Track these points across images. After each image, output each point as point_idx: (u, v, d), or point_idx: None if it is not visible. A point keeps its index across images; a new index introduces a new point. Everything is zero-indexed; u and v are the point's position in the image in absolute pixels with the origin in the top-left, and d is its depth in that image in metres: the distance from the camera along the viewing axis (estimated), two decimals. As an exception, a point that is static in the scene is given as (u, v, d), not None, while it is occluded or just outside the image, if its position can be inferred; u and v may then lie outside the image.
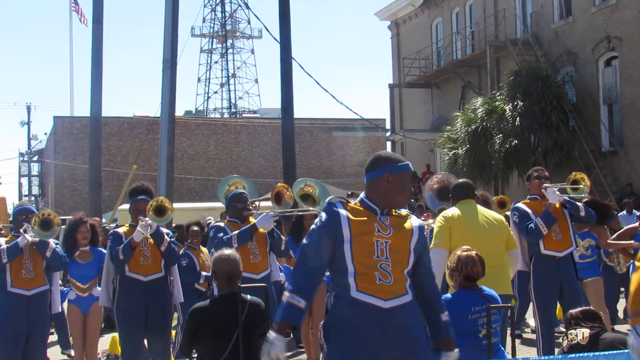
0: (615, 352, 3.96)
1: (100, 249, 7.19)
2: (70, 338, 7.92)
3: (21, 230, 6.30)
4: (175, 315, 8.99)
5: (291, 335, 9.42)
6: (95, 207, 16.36)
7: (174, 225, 11.61)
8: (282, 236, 6.84)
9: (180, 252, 8.38)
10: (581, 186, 6.92)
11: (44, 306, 6.49)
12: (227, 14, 59.44)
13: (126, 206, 7.60)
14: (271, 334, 3.46)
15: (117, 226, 7.84)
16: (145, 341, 6.51)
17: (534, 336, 7.43)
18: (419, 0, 29.41)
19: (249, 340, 4.72)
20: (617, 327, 9.05)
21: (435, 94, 29.22)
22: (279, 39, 15.35)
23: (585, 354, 3.73)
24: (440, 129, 24.94)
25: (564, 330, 5.13)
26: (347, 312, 3.50)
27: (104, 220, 14.80)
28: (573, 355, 3.78)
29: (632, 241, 8.03)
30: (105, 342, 8.89)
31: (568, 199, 6.61)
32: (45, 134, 42.96)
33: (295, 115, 15.95)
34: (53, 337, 9.28)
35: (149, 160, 31.70)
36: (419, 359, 3.56)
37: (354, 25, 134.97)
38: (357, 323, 3.48)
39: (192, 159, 35.90)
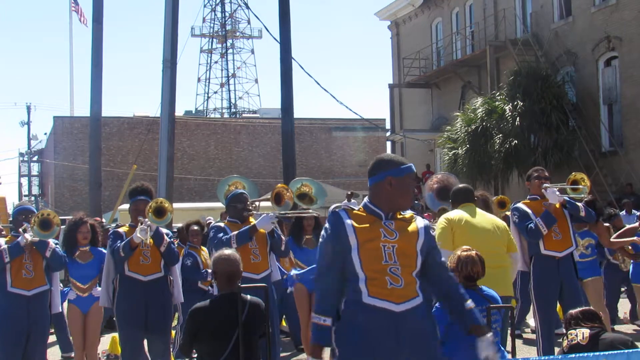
0: (615, 352, 3.96)
1: (100, 249, 7.19)
2: (70, 338, 7.92)
3: (20, 230, 6.31)
4: (176, 315, 9.00)
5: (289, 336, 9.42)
6: (95, 207, 16.36)
7: (175, 229, 11.62)
8: (282, 237, 6.84)
9: (182, 252, 8.39)
10: (581, 186, 6.92)
11: (44, 306, 6.50)
12: (227, 14, 59.48)
13: (126, 206, 7.60)
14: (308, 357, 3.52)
15: (118, 226, 7.84)
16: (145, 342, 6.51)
17: (534, 336, 7.43)
18: (419, 0, 29.41)
19: (249, 340, 4.72)
20: (617, 327, 9.05)
21: (435, 94, 29.22)
22: (279, 39, 15.35)
23: (585, 354, 3.73)
24: (440, 129, 24.94)
25: (564, 331, 5.13)
26: (359, 318, 3.50)
27: (104, 221, 14.80)
28: (573, 355, 3.78)
29: (635, 237, 8.06)
30: (105, 342, 8.89)
31: (568, 199, 6.62)
32: (45, 134, 43.01)
33: (295, 115, 15.95)
34: (53, 338, 9.28)
35: (149, 160, 31.71)
36: (431, 357, 3.58)
37: (354, 25, 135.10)
38: (370, 328, 3.48)
39: (192, 159, 35.91)
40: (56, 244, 6.51)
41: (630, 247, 8.62)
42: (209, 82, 60.91)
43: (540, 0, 23.14)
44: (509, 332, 5.29)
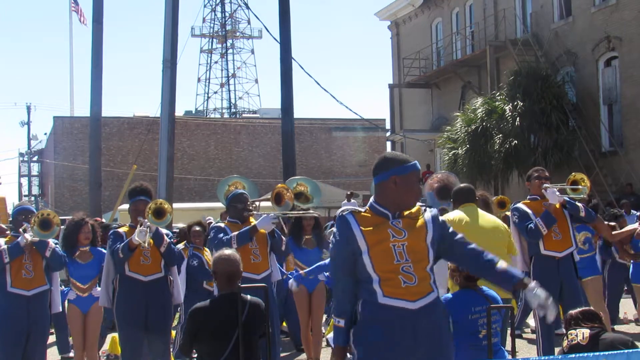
0: (615, 352, 3.95)
1: (100, 249, 7.19)
2: (70, 338, 7.92)
3: (20, 230, 6.31)
4: (177, 314, 8.99)
5: (289, 336, 9.42)
6: (95, 207, 16.38)
7: (175, 229, 11.62)
8: (282, 237, 6.84)
9: (187, 253, 8.40)
10: (581, 187, 6.92)
11: (44, 306, 6.50)
12: (227, 14, 59.49)
13: (126, 206, 7.61)
14: None
15: (118, 226, 7.84)
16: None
17: (534, 336, 7.43)
18: (419, 0, 29.41)
19: (249, 340, 4.72)
20: (617, 327, 9.05)
21: (435, 94, 29.23)
22: (279, 39, 15.37)
23: (585, 354, 3.72)
24: (440, 129, 24.94)
25: (564, 331, 5.12)
26: (376, 318, 3.52)
27: (104, 221, 14.80)
28: (573, 355, 3.78)
29: (636, 225, 8.10)
30: (105, 342, 8.88)
31: (568, 199, 6.62)
32: (45, 134, 43.04)
33: (295, 115, 15.98)
34: (52, 338, 9.27)
35: (149, 160, 31.73)
36: (446, 353, 3.60)
37: (354, 25, 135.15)
38: (387, 327, 3.50)
39: (192, 159, 35.93)
40: (56, 243, 6.51)
41: (629, 247, 8.63)
42: (209, 82, 60.96)
43: (540, 0, 23.14)
44: (508, 332, 5.28)
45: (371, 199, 3.71)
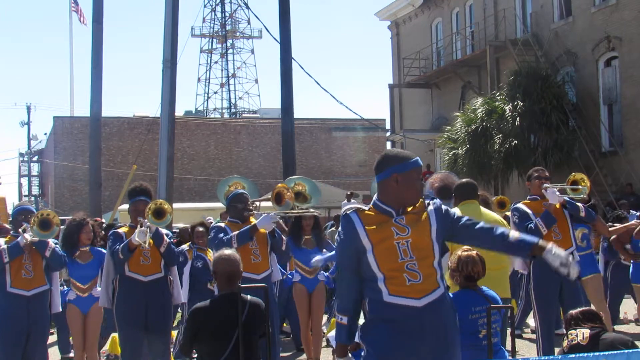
0: (615, 352, 3.95)
1: (99, 249, 7.19)
2: (70, 339, 7.92)
3: (20, 230, 6.31)
4: (179, 315, 8.99)
5: (290, 336, 9.43)
6: (95, 207, 16.38)
7: (176, 229, 11.61)
8: (283, 236, 6.84)
9: (191, 254, 8.42)
10: (581, 187, 6.92)
11: (44, 306, 6.50)
12: (227, 14, 59.49)
13: (126, 206, 7.61)
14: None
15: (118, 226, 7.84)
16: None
17: (534, 336, 7.43)
18: (419, 0, 29.41)
19: (249, 340, 4.72)
20: (617, 327, 9.04)
21: (435, 94, 29.23)
22: (279, 39, 15.36)
23: (585, 354, 3.72)
24: (440, 129, 24.94)
25: (564, 331, 5.12)
26: (382, 316, 3.55)
27: (104, 221, 14.80)
28: (573, 355, 3.78)
29: (634, 221, 8.10)
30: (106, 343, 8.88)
31: (568, 199, 6.61)
32: (45, 134, 43.04)
33: (295, 115, 15.97)
34: (53, 337, 9.28)
35: (149, 160, 31.73)
36: (453, 349, 3.61)
37: (354, 25, 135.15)
38: (394, 325, 3.52)
39: (192, 159, 35.94)
40: (55, 243, 6.51)
41: (630, 247, 8.63)
42: (209, 82, 60.96)
43: (540, 0, 23.13)
44: (508, 331, 5.28)
45: (374, 197, 3.72)
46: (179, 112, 38.65)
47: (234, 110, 58.52)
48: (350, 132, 37.64)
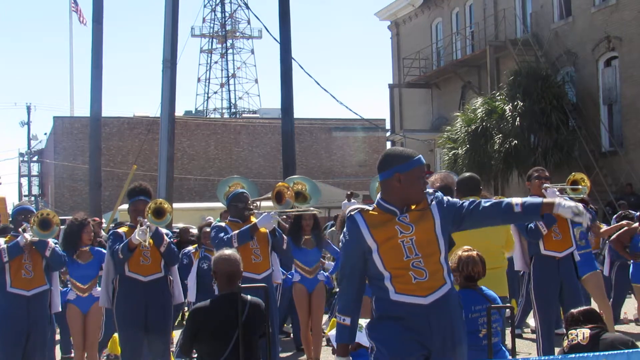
0: (616, 352, 3.95)
1: (99, 249, 7.19)
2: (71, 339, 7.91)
3: (20, 230, 6.31)
4: (180, 315, 8.97)
5: (291, 336, 9.43)
6: (95, 207, 16.37)
7: (176, 230, 11.61)
8: (284, 235, 6.84)
9: (197, 255, 8.42)
10: (581, 187, 6.92)
11: (44, 306, 6.50)
12: (227, 14, 59.48)
13: (126, 206, 7.60)
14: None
15: (116, 226, 7.84)
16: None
17: (534, 336, 7.43)
18: (419, 0, 29.41)
19: (249, 340, 4.72)
20: (617, 327, 9.03)
21: (435, 94, 29.22)
22: (279, 39, 15.35)
23: (586, 354, 3.72)
24: (440, 129, 24.94)
25: (564, 331, 5.12)
26: (389, 314, 3.56)
27: (104, 221, 14.80)
28: (573, 355, 3.78)
29: (624, 222, 8.09)
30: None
31: (568, 199, 6.61)
32: (45, 134, 43.04)
33: (295, 115, 15.96)
34: (57, 337, 9.27)
35: (149, 160, 31.72)
36: (459, 345, 3.62)
37: (354, 25, 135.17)
38: (401, 323, 3.53)
39: (192, 159, 35.93)
40: (55, 243, 6.51)
41: (622, 224, 8.66)
42: (209, 82, 60.96)
43: (540, 0, 23.13)
44: (508, 331, 5.28)
45: (378, 196, 3.72)
46: (179, 112, 38.66)
47: (234, 110, 58.52)
48: (350, 132, 37.64)
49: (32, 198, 45.34)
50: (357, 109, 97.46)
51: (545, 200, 3.66)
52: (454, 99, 27.34)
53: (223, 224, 6.68)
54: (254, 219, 6.58)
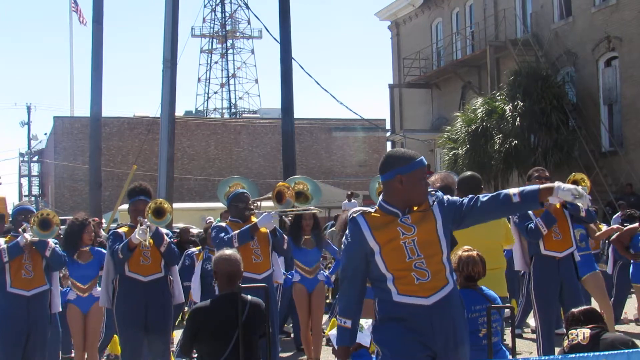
0: (616, 352, 3.95)
1: (99, 249, 7.19)
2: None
3: (20, 230, 6.31)
4: (180, 315, 8.97)
5: (291, 336, 9.43)
6: (95, 207, 16.37)
7: (176, 230, 11.61)
8: (284, 235, 6.84)
9: (201, 256, 8.42)
10: (581, 187, 6.91)
11: (44, 306, 6.50)
12: (227, 14, 59.48)
13: (126, 206, 7.61)
14: None
15: (118, 226, 7.84)
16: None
17: (534, 336, 7.43)
18: (419, 0, 29.41)
19: (249, 340, 4.72)
20: (617, 327, 9.02)
21: (435, 94, 29.23)
22: (279, 39, 15.34)
23: (586, 354, 3.72)
24: (440, 129, 24.95)
25: (564, 331, 5.12)
26: (392, 316, 3.57)
27: (103, 221, 14.80)
28: (573, 355, 3.77)
29: (615, 226, 8.10)
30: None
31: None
32: (45, 134, 43.05)
33: (295, 116, 15.94)
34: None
35: (149, 160, 31.72)
36: (462, 346, 3.63)
37: (354, 25, 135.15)
38: (404, 324, 3.54)
39: (192, 159, 35.94)
40: (55, 243, 6.51)
41: (614, 228, 8.66)
42: (209, 82, 60.96)
43: (540, 0, 23.13)
44: (508, 331, 5.28)
45: (380, 198, 3.72)
46: (179, 112, 38.65)
47: (234, 110, 58.52)
48: (350, 132, 37.64)
49: (32, 198, 45.35)
50: (357, 109, 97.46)
51: (542, 187, 3.64)
52: (454, 99, 27.34)
53: (223, 224, 6.68)
54: (254, 219, 6.58)
